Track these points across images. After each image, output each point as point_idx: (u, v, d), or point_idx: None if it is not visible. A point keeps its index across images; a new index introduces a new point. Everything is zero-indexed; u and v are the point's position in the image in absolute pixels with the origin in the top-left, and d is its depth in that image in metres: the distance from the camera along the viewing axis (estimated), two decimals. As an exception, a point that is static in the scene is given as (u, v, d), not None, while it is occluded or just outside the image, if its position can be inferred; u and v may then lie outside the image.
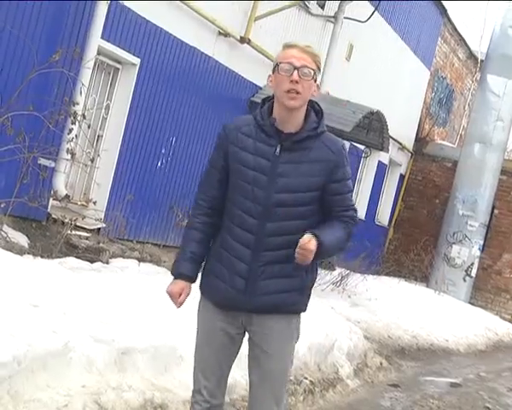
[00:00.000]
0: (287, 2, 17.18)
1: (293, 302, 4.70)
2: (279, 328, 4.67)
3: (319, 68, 4.63)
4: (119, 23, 13.38)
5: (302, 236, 4.48)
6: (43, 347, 6.51)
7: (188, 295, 4.80)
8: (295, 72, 4.45)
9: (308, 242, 4.39)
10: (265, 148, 4.60)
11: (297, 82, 4.45)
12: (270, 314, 4.65)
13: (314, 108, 4.70)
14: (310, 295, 4.84)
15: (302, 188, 4.60)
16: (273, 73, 4.57)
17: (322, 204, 4.68)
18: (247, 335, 4.84)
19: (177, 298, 4.76)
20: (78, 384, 6.52)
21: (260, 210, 4.59)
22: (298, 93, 4.46)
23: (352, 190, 4.88)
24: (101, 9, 12.56)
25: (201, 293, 4.84)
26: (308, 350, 10.38)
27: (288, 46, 4.65)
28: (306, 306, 4.80)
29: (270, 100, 4.70)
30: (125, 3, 13.29)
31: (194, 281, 4.79)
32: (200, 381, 4.79)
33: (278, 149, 4.55)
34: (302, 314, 4.91)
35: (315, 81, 4.57)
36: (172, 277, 4.85)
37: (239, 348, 4.82)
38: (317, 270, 4.88)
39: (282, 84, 4.50)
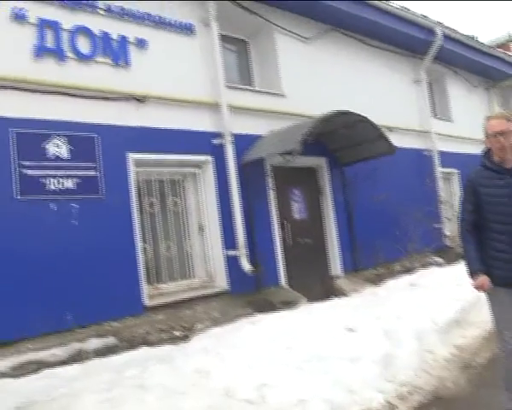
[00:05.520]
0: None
1: None
2: None
3: None
4: (447, 158, 13.44)
5: None
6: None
7: (488, 281, 4.10)
8: (498, 135, 4.04)
9: None
10: (500, 182, 4.08)
11: (500, 141, 4.03)
12: None
13: None
14: None
15: None
16: (487, 138, 4.12)
17: None
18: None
19: (482, 287, 4.11)
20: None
21: (507, 219, 4.03)
22: (503, 147, 4.02)
23: None
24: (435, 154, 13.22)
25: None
26: None
27: (488, 118, 4.19)
28: None
29: (485, 152, 4.19)
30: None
31: (484, 273, 4.08)
32: (504, 331, 4.06)
33: (509, 179, 4.04)
34: None
35: None
36: (470, 276, 4.15)
37: None
38: None
39: (494, 144, 4.07)
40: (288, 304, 7.88)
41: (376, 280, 9.65)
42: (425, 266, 10.63)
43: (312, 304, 7.52)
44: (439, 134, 13.58)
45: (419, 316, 6.34)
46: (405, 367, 5.30)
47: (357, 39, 11.64)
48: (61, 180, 6.86)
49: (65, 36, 7.20)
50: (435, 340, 5.96)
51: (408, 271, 10.06)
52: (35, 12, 6.96)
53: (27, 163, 6.60)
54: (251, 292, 8.40)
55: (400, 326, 6.02)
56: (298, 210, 9.91)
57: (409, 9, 12.18)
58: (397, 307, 6.75)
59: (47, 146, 6.81)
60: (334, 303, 7.39)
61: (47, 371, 5.53)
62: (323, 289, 9.46)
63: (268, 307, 7.78)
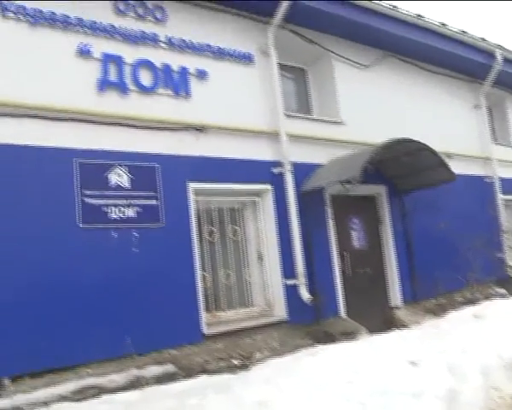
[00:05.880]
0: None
1: None
2: None
3: None
4: (509, 185, 13.09)
5: None
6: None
7: None
8: None
9: None
10: None
11: None
12: None
13: None
14: None
15: None
16: None
17: None
18: None
19: None
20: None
21: None
22: None
23: None
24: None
25: None
26: None
27: None
28: None
29: None
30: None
31: None
32: None
33: None
34: None
35: None
36: None
37: None
38: None
39: None
40: (348, 335, 7.74)
41: (437, 311, 9.38)
42: (487, 297, 10.26)
43: (373, 336, 7.34)
44: (500, 160, 13.21)
45: (484, 350, 5.98)
46: (470, 404, 5.00)
47: (415, 65, 11.53)
48: (122, 209, 6.97)
49: (127, 69, 7.39)
50: (501, 376, 5.61)
51: (469, 302, 9.66)
52: (99, 47, 7.18)
53: (90, 192, 6.74)
54: (310, 322, 8.29)
55: (465, 361, 5.69)
56: (357, 239, 9.79)
57: (467, 33, 11.94)
58: (461, 340, 6.41)
59: (109, 176, 6.95)
60: (396, 335, 7.16)
61: (106, 397, 5.53)
62: (383, 320, 9.26)
63: (327, 337, 7.67)
